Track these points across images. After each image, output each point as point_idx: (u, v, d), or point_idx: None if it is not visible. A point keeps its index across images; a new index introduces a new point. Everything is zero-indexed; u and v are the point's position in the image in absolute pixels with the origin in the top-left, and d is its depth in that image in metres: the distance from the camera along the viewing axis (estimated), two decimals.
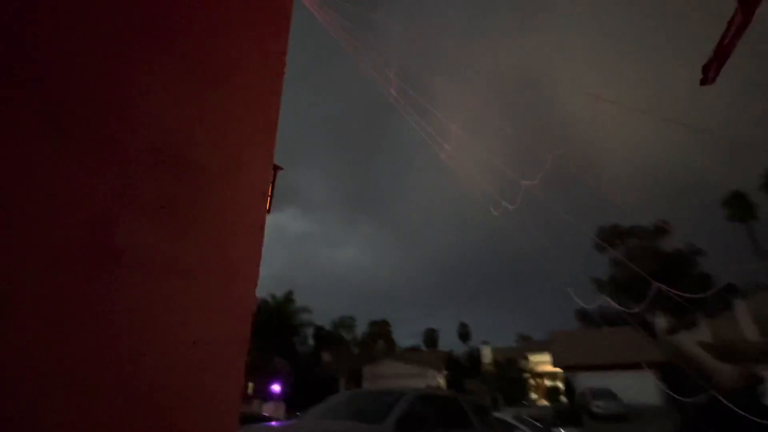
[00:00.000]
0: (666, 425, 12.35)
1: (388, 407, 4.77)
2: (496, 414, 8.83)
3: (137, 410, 0.56)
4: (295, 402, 16.24)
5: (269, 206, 2.07)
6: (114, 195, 0.58)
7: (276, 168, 2.10)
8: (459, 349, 52.63)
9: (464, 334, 57.39)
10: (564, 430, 10.98)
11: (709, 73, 2.99)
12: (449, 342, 71.67)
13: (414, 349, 49.98)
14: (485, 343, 39.50)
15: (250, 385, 20.83)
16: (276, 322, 27.88)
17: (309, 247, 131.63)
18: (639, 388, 21.76)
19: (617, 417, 19.04)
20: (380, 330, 47.29)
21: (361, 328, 44.84)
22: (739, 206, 31.53)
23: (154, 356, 0.58)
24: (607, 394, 20.54)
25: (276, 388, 14.44)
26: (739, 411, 4.18)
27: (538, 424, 9.54)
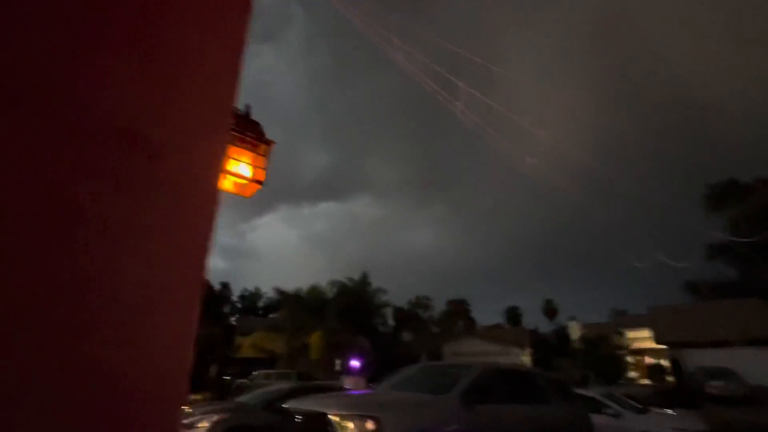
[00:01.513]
0: None
1: (455, 379, 4.79)
2: (582, 391, 8.30)
3: (85, 364, 0.63)
4: (377, 378, 17.13)
5: (263, 179, 2.21)
6: (73, 164, 0.67)
7: (268, 142, 2.24)
8: (545, 326, 50.33)
9: (550, 311, 54.60)
10: (672, 411, 9.90)
11: None
12: (534, 320, 68.68)
13: (495, 327, 48.96)
14: (572, 318, 37.17)
15: (337, 362, 22.38)
16: (355, 303, 29.32)
17: (384, 232, 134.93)
18: (760, 366, 18.74)
19: (739, 399, 16.64)
20: (458, 309, 47.14)
21: (439, 308, 45.18)
22: None
23: (111, 310, 0.67)
24: (726, 374, 18.05)
25: (356, 363, 15.39)
26: None
27: (636, 404, 8.73)
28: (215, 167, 0.96)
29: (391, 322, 36.82)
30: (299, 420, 4.12)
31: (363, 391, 6.85)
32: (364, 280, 31.99)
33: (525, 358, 33.04)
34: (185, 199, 0.83)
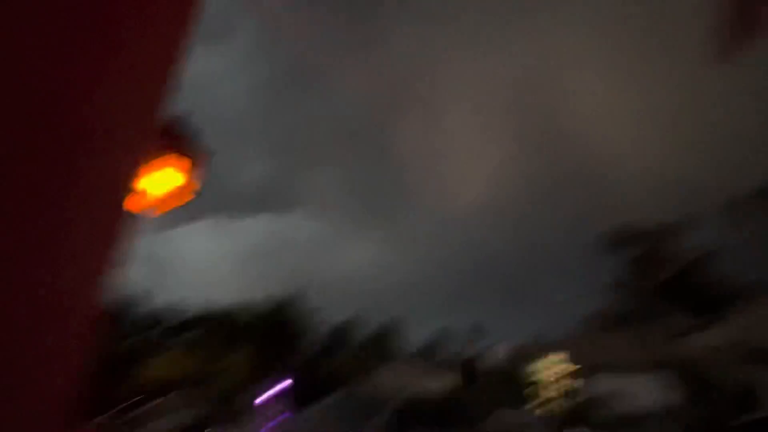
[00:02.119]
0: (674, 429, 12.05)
1: (382, 407, 4.76)
2: (500, 414, 8.71)
3: None
4: (303, 402, 16.37)
5: (188, 195, 2.07)
6: None
7: (202, 154, 2.11)
8: (473, 348, 52.15)
9: (478, 334, 56.87)
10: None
11: (734, 40, 2.62)
12: (463, 341, 70.68)
13: (427, 350, 49.58)
14: (497, 342, 39.09)
15: (258, 386, 21.05)
16: (285, 322, 28.11)
17: (319, 249, 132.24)
18: (652, 390, 21.26)
19: (626, 421, 18.65)
20: (391, 330, 47.21)
21: (371, 329, 44.84)
22: (747, 208, 30.62)
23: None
24: (617, 396, 20.14)
25: (280, 389, 14.59)
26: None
27: (546, 425, 9.33)
28: (129, 177, 0.87)
29: (321, 343, 35.73)
30: None
31: (284, 416, 6.51)
32: (295, 300, 30.92)
33: (451, 382, 33.82)
34: (89, 212, 0.74)
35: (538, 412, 21.47)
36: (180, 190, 2.03)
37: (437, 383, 32.12)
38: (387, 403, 4.54)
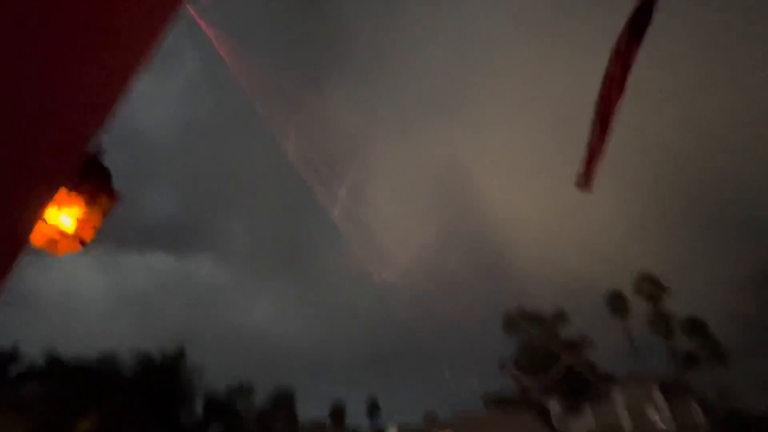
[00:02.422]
0: None
1: None
2: None
3: None
4: None
5: (84, 241, 1.93)
6: None
7: (113, 194, 2.07)
8: (367, 426, 49.35)
9: (373, 408, 54.33)
10: None
11: (585, 177, 3.15)
12: (357, 417, 66.84)
13: (319, 426, 45.68)
14: (392, 423, 37.73)
15: None
16: (159, 383, 24.10)
17: (217, 300, 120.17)
18: None
19: None
20: (283, 401, 43.05)
21: (262, 394, 40.39)
22: (617, 304, 36.19)
23: None
24: None
25: None
26: None
27: None
28: (31, 215, 0.85)
29: (200, 411, 30.96)
30: None
31: None
32: (177, 356, 27.04)
33: None
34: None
35: None
36: (67, 240, 1.89)
37: None
38: None
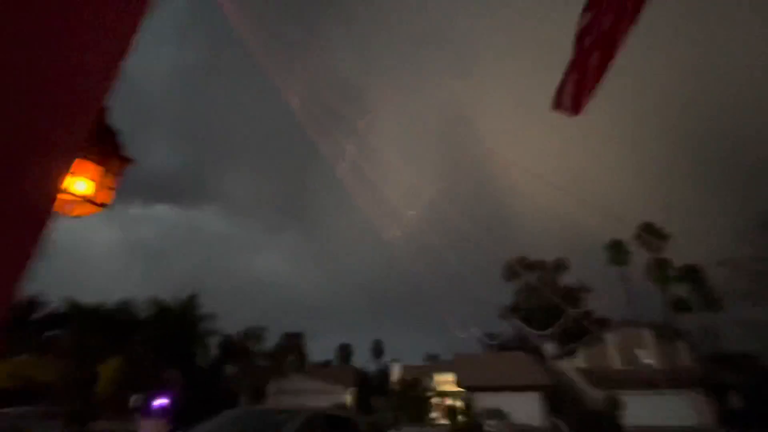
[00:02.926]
0: None
1: (278, 426, 4.65)
2: (403, 430, 9.03)
3: None
4: (186, 419, 14.86)
5: (102, 203, 1.94)
6: None
7: (125, 159, 2.03)
8: (372, 365, 52.92)
9: (377, 351, 57.87)
10: None
11: (577, 100, 2.90)
12: (362, 358, 71.59)
13: (326, 365, 48.98)
14: (395, 360, 40.22)
15: (133, 398, 18.54)
16: (175, 328, 25.43)
17: (225, 251, 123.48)
18: (526, 408, 23.87)
19: None
20: (293, 343, 45.69)
21: (272, 341, 42.86)
22: (617, 252, 36.86)
23: None
24: (497, 415, 22.18)
25: (160, 402, 12.95)
26: None
27: None
28: (53, 183, 0.82)
29: (214, 352, 33.01)
30: None
31: None
32: (191, 303, 28.26)
33: (348, 398, 33.81)
34: (5, 219, 0.70)
35: (433, 427, 22.62)
36: (84, 203, 1.89)
37: (339, 398, 31.86)
38: (289, 420, 4.37)
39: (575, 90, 2.92)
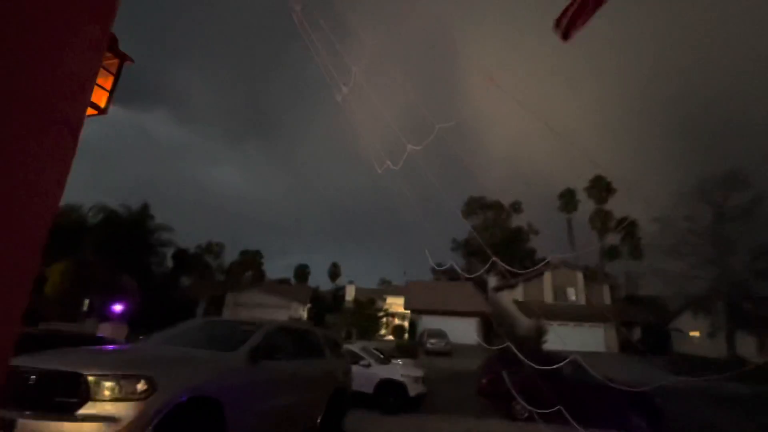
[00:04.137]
0: (476, 360, 15.55)
1: (243, 336, 4.84)
2: (347, 346, 9.79)
3: None
4: (142, 325, 15.15)
5: (107, 103, 1.71)
6: None
7: (124, 57, 1.73)
8: (327, 286, 55.50)
9: (334, 273, 60.40)
10: (401, 360, 12.88)
11: (569, 25, 3.14)
12: (319, 279, 74.62)
13: (283, 282, 50.66)
14: (350, 282, 42.40)
15: (86, 301, 18.43)
16: (126, 237, 24.68)
17: (181, 160, 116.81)
18: (465, 331, 26.68)
19: (444, 353, 23.19)
20: (250, 260, 46.33)
21: (231, 257, 43.15)
22: (568, 200, 39.23)
23: None
24: (440, 334, 24.65)
25: (118, 308, 12.96)
26: (522, 355, 5.49)
27: (381, 355, 10.99)
28: (81, 85, 0.71)
29: (169, 263, 32.85)
30: (34, 382, 3.26)
31: (126, 346, 5.99)
32: (144, 212, 27.22)
33: (304, 313, 35.77)
34: (30, 130, 0.59)
35: (381, 342, 24.86)
36: (101, 95, 1.63)
37: (294, 313, 33.56)
38: (254, 331, 4.56)
39: (569, 19, 3.13)
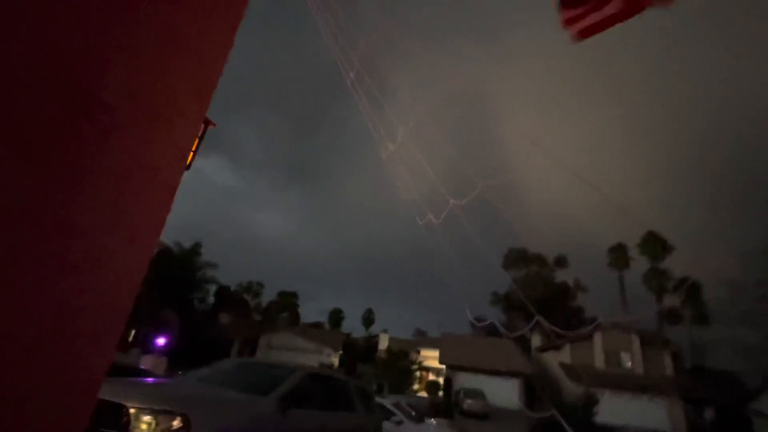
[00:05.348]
0: (518, 427, 14.16)
1: (275, 381, 4.79)
2: (378, 399, 9.36)
3: None
4: (180, 359, 15.49)
5: (190, 162, 1.90)
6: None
7: (207, 122, 1.93)
8: (359, 332, 54.32)
9: (368, 320, 59.22)
10: (435, 420, 12.03)
11: (583, 24, 2.86)
12: (352, 325, 73.45)
13: (317, 325, 50.27)
14: (384, 330, 41.27)
15: (132, 332, 19.27)
16: (175, 272, 26.02)
17: (230, 203, 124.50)
18: (505, 393, 24.63)
19: (482, 415, 21.38)
20: (287, 301, 46.79)
21: (268, 296, 43.92)
22: (619, 256, 36.76)
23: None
24: (477, 394, 22.91)
25: (161, 341, 13.44)
26: (569, 427, 4.96)
27: (413, 412, 10.34)
28: (182, 153, 0.82)
29: (211, 300, 33.97)
30: None
31: (165, 380, 6.13)
32: (194, 250, 28.81)
33: (335, 359, 34.95)
34: (137, 191, 0.69)
35: (416, 397, 23.50)
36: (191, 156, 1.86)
37: (326, 359, 32.92)
38: (287, 376, 4.52)
39: (590, 19, 2.83)
